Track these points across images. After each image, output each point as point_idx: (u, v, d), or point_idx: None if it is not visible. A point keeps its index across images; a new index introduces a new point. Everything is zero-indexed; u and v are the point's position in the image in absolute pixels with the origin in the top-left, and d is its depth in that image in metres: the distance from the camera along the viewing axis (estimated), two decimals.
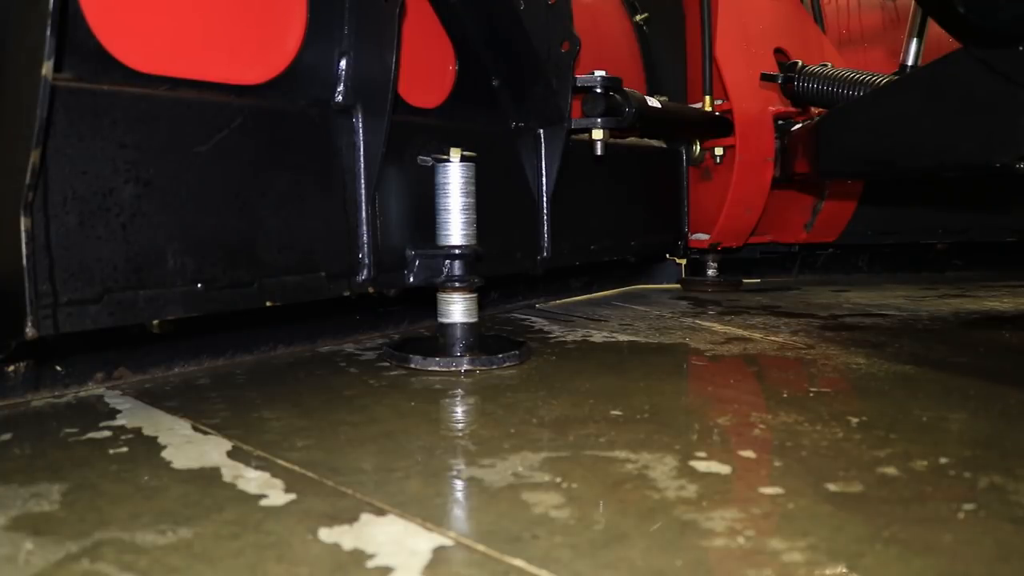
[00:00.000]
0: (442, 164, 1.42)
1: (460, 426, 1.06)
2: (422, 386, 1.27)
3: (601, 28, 2.35)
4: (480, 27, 1.61)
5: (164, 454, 0.94)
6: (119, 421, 1.07)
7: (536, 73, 1.66)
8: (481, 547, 0.69)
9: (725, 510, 0.76)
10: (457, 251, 1.43)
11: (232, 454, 0.93)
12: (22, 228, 0.92)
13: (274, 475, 0.86)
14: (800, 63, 2.08)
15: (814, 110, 2.29)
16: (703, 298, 2.36)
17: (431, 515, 0.76)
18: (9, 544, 0.70)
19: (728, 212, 2.42)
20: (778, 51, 2.45)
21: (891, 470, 0.86)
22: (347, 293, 1.35)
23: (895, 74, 1.88)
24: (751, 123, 2.36)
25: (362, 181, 1.36)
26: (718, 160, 2.43)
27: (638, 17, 2.53)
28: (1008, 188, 2.57)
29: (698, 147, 2.47)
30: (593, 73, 1.85)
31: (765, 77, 2.21)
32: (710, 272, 2.60)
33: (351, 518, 0.75)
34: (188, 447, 0.96)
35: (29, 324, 0.93)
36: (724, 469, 0.87)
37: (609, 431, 1.01)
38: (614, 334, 1.73)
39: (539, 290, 2.21)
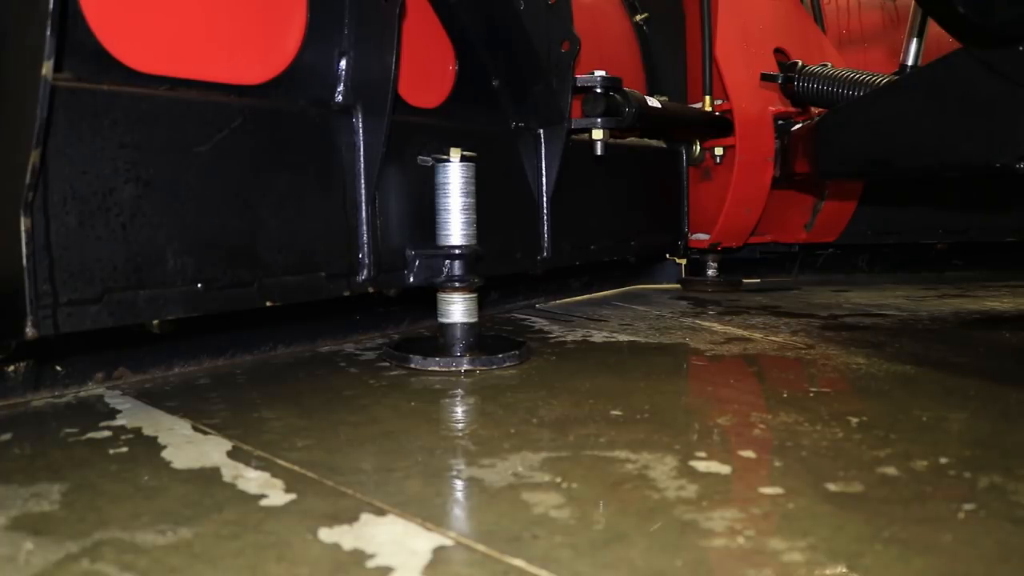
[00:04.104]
0: (442, 164, 1.42)
1: (460, 426, 1.06)
2: (422, 386, 1.27)
3: (601, 28, 2.35)
4: (480, 27, 1.61)
5: (164, 454, 0.94)
6: (119, 421, 1.07)
7: (536, 73, 1.66)
8: (481, 547, 0.69)
9: (725, 510, 0.76)
10: (457, 251, 1.43)
11: (232, 454, 0.93)
12: (22, 228, 0.92)
13: (274, 475, 0.86)
14: (800, 63, 2.08)
15: (814, 110, 2.29)
16: (703, 298, 2.36)
17: (431, 515, 0.76)
18: (9, 544, 0.70)
19: (728, 212, 2.42)
20: (778, 51, 2.45)
21: (891, 470, 0.86)
22: (347, 293, 1.35)
23: (895, 74, 1.88)
24: (751, 123, 2.36)
25: (362, 181, 1.36)
26: (718, 160, 2.43)
27: (638, 17, 2.53)
28: (1008, 188, 2.56)
29: (698, 147, 2.47)
30: (593, 73, 1.85)
31: (765, 77, 2.21)
32: (710, 272, 2.60)
33: (351, 518, 0.75)
34: (188, 447, 0.96)
35: (29, 324, 0.93)
36: (724, 469, 0.87)
37: (609, 431, 1.01)
38: (614, 334, 1.73)
39: (539, 290, 2.21)
